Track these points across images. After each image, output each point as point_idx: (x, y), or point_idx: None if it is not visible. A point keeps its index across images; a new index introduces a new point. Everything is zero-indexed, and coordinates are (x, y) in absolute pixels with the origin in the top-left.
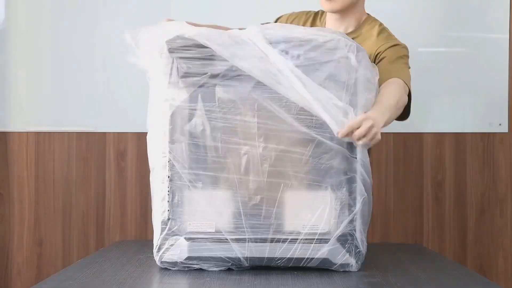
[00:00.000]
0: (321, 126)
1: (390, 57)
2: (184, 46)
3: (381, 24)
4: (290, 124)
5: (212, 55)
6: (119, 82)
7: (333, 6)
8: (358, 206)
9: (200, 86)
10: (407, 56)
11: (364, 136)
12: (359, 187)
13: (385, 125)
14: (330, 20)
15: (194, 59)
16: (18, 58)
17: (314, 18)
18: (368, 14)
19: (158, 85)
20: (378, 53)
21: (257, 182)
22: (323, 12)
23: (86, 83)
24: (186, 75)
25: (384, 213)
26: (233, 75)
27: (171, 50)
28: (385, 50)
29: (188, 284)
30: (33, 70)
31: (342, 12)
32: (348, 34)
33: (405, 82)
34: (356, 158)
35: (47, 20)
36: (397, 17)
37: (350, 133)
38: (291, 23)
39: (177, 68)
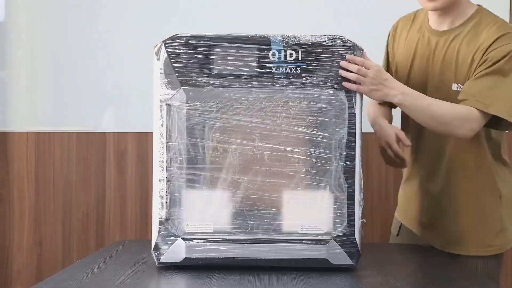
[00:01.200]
0: (320, 126)
1: (487, 64)
2: (183, 46)
3: (496, 19)
4: (289, 124)
5: (210, 55)
6: (119, 82)
7: (435, 4)
8: (357, 206)
9: (199, 86)
10: None
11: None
12: (357, 186)
13: (399, 102)
14: (433, 16)
15: (193, 59)
16: (18, 58)
17: (415, 16)
18: (479, 5)
19: (156, 85)
20: (483, 55)
21: (255, 182)
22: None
23: (86, 83)
24: (184, 74)
25: (384, 213)
26: (232, 74)
27: (169, 50)
28: (491, 51)
29: (188, 284)
30: (33, 70)
31: (444, 9)
32: (451, 30)
33: (483, 112)
34: (354, 157)
35: (47, 20)
36: (398, 17)
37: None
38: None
39: (175, 67)
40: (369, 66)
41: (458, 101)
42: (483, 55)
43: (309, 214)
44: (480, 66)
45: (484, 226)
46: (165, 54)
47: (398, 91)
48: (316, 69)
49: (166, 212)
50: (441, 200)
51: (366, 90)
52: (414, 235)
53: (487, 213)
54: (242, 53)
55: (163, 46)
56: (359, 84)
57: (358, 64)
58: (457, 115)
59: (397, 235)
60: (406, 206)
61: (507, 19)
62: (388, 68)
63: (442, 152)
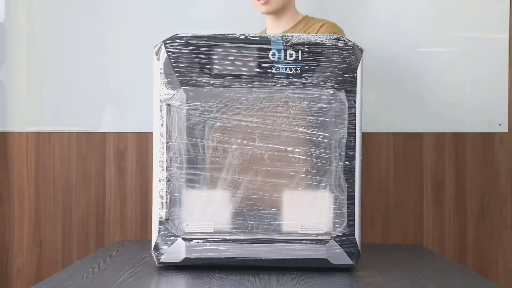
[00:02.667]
0: (320, 126)
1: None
2: (183, 46)
3: (320, 20)
4: (289, 124)
5: (210, 55)
6: (119, 82)
7: (268, 8)
8: (357, 206)
9: (199, 86)
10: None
11: None
12: (357, 186)
13: None
14: (268, 21)
15: (193, 59)
16: (18, 58)
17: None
18: (306, 15)
19: (156, 85)
20: None
21: (255, 182)
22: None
23: (86, 83)
24: (184, 74)
25: (384, 213)
26: (232, 74)
27: (169, 50)
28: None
29: (188, 284)
30: (33, 70)
31: (277, 13)
32: (286, 31)
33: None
34: (354, 157)
35: (47, 20)
36: (398, 17)
37: None
38: None
39: (175, 67)
40: None
41: None
42: None
43: (309, 214)
44: None
45: None
46: (165, 54)
47: None
48: (316, 69)
49: (166, 212)
50: None
51: None
52: None
53: None
54: (242, 53)
55: (163, 46)
56: None
57: None
58: None
59: None
60: None
61: (507, 19)
62: None
63: None
